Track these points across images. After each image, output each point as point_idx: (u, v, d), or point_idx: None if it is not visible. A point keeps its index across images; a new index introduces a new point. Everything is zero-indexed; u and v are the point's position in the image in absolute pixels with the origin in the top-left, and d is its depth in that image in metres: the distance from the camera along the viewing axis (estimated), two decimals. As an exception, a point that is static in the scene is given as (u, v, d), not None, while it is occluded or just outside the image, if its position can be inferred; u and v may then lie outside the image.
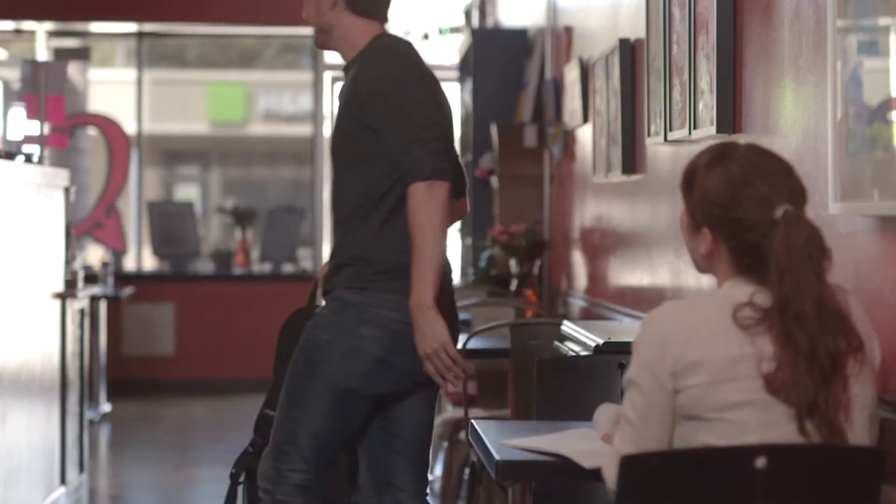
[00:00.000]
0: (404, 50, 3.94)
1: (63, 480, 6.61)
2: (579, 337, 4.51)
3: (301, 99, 12.37)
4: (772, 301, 2.49)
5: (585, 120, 6.71)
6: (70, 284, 6.88)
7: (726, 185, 2.56)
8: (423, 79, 3.88)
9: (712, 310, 2.54)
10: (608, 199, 6.19)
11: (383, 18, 3.99)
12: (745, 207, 2.54)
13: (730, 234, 2.56)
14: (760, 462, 2.36)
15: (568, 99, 7.15)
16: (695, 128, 4.31)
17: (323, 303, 3.96)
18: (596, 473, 2.65)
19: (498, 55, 9.28)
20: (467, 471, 5.77)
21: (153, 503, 7.34)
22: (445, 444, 6.07)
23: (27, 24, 11.78)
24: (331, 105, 11.98)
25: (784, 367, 2.46)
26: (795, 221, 2.51)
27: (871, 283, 3.00)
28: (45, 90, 6.52)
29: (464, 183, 4.11)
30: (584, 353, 4.33)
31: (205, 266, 12.05)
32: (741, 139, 3.97)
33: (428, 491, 4.00)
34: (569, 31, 7.35)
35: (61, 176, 6.60)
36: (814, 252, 2.49)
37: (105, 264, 10.01)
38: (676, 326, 2.53)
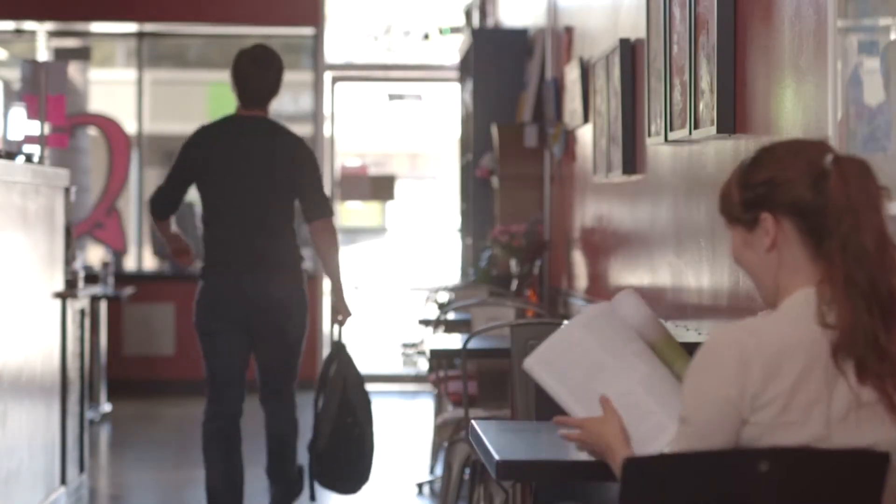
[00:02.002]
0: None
1: (63, 480, 6.61)
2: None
3: (301, 99, 12.38)
4: (832, 242, 2.39)
5: (586, 120, 6.71)
6: (70, 284, 6.87)
7: (770, 164, 2.47)
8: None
9: (795, 339, 2.39)
10: (608, 199, 6.19)
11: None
12: (793, 170, 2.44)
13: (788, 203, 2.44)
14: (764, 466, 2.35)
15: (568, 99, 7.15)
16: (695, 128, 4.31)
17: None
18: (597, 473, 2.64)
19: (498, 55, 9.28)
20: (467, 471, 5.77)
21: (153, 503, 7.33)
22: (445, 444, 6.07)
23: (27, 24, 11.77)
24: (331, 105, 11.98)
25: (844, 313, 2.36)
26: (847, 161, 2.41)
27: (871, 284, 2.99)
28: (46, 90, 6.52)
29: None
30: (584, 353, 4.32)
31: (205, 266, 12.04)
32: (742, 139, 3.98)
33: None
34: (569, 31, 7.35)
35: (61, 176, 6.60)
36: (871, 185, 2.40)
37: (105, 264, 10.00)
38: (760, 362, 2.38)
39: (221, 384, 5.87)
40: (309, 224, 5.89)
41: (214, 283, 5.82)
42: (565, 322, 3.04)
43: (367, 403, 5.93)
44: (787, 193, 2.44)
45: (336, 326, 6.01)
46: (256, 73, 5.86)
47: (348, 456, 5.86)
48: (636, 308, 2.84)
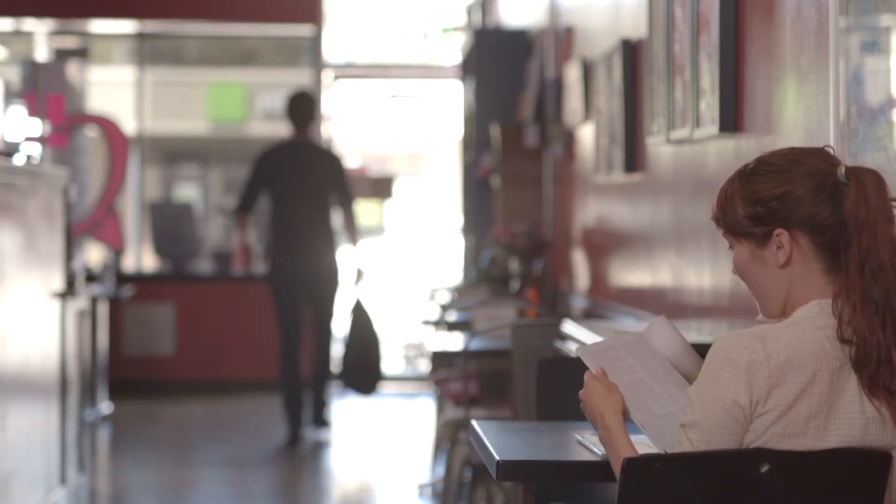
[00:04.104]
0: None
1: (63, 480, 6.60)
2: (580, 337, 4.50)
3: (301, 98, 12.36)
4: (849, 257, 2.35)
5: (587, 119, 6.70)
6: (70, 284, 6.86)
7: (775, 175, 2.42)
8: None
9: (805, 349, 2.37)
10: (609, 198, 6.18)
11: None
12: (803, 184, 2.39)
13: (806, 219, 2.39)
14: (765, 467, 2.34)
15: (569, 98, 7.14)
16: (697, 127, 4.30)
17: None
18: (597, 473, 2.63)
19: (499, 55, 9.28)
20: (468, 471, 5.75)
21: (153, 503, 7.32)
22: (447, 444, 6.05)
23: (27, 24, 11.76)
24: (331, 104, 11.96)
25: (859, 328, 2.33)
26: (862, 172, 2.36)
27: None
28: (45, 89, 6.51)
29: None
30: (585, 353, 4.30)
31: (205, 266, 12.05)
32: (743, 139, 3.97)
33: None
34: (570, 30, 7.34)
35: (60, 176, 6.59)
36: (886, 196, 2.36)
37: (105, 264, 9.98)
38: (768, 369, 2.36)
39: (286, 326, 8.70)
40: (342, 210, 8.76)
41: (280, 261, 8.63)
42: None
43: (377, 339, 8.73)
44: (804, 209, 2.39)
45: (355, 284, 8.78)
46: (300, 108, 8.75)
47: (367, 368, 8.70)
48: (670, 337, 2.75)
